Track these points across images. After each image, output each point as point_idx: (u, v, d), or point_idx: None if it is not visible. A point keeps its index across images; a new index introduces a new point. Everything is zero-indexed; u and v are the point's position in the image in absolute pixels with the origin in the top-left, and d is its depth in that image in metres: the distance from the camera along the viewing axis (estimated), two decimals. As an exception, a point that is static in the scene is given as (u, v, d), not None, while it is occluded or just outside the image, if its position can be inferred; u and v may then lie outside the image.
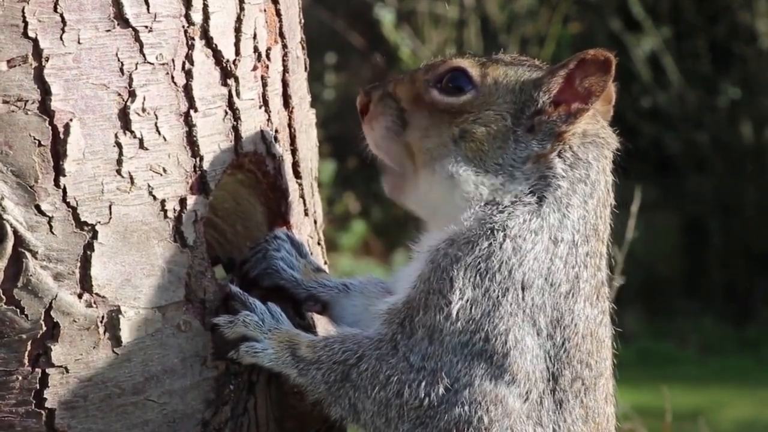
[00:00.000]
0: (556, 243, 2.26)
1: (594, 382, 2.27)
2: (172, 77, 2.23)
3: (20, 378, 2.14)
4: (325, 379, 2.26)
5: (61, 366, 2.15)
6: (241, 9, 2.32)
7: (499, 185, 2.28)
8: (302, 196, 2.52)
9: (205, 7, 2.26)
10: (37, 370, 2.14)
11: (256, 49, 2.36)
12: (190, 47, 2.25)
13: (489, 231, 2.24)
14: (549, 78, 2.30)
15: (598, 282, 2.30)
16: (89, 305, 2.16)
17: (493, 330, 2.20)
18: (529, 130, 2.29)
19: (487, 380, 2.20)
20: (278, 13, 2.42)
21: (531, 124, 2.29)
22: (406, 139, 2.35)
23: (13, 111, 2.10)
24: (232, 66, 2.31)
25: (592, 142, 2.32)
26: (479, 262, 2.22)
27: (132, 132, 2.19)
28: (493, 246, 2.23)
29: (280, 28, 2.43)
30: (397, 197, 2.39)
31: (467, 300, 2.21)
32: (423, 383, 2.20)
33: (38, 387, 2.15)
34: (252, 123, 2.36)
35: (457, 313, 2.21)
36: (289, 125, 2.48)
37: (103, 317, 2.17)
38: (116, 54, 2.17)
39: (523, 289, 2.23)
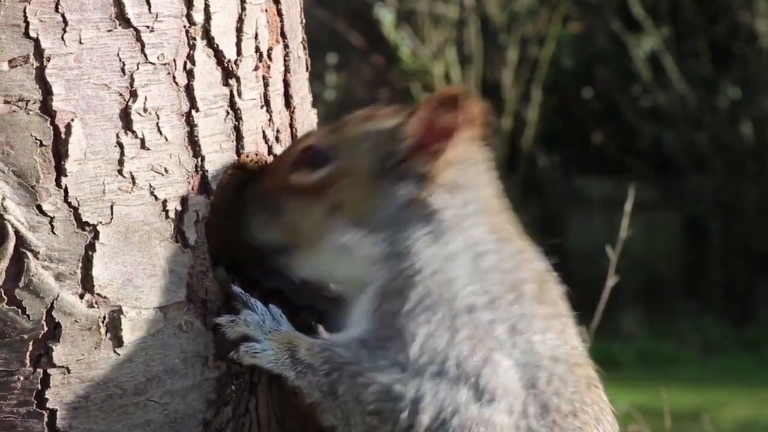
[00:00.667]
0: (479, 259, 2.27)
1: (571, 370, 2.26)
2: (174, 77, 2.23)
3: (21, 378, 2.14)
4: (319, 386, 2.26)
5: (62, 366, 2.15)
6: (243, 9, 2.32)
7: (389, 237, 2.28)
8: (304, 196, 2.52)
9: (207, 7, 2.26)
10: (38, 370, 2.14)
11: (257, 49, 2.36)
12: (192, 47, 2.25)
13: (407, 280, 2.25)
14: (404, 127, 2.30)
15: (538, 275, 2.31)
16: (91, 305, 2.16)
17: (460, 355, 2.20)
18: (396, 180, 2.29)
19: (471, 404, 2.19)
20: (280, 13, 2.42)
21: (397, 175, 2.29)
22: (284, 223, 2.35)
23: (14, 111, 2.10)
24: (234, 66, 2.31)
25: (462, 166, 2.31)
26: (418, 306, 2.23)
27: (133, 132, 2.19)
28: (421, 290, 2.23)
29: (282, 28, 2.43)
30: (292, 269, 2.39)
31: (424, 337, 2.21)
32: (405, 412, 2.20)
33: (39, 387, 2.14)
34: (253, 123, 2.36)
35: (417, 351, 2.21)
36: (291, 125, 2.48)
37: (104, 317, 2.17)
38: (118, 54, 2.17)
39: (470, 312, 2.23)
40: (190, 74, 2.25)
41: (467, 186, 2.31)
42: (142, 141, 2.20)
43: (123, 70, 2.18)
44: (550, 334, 2.26)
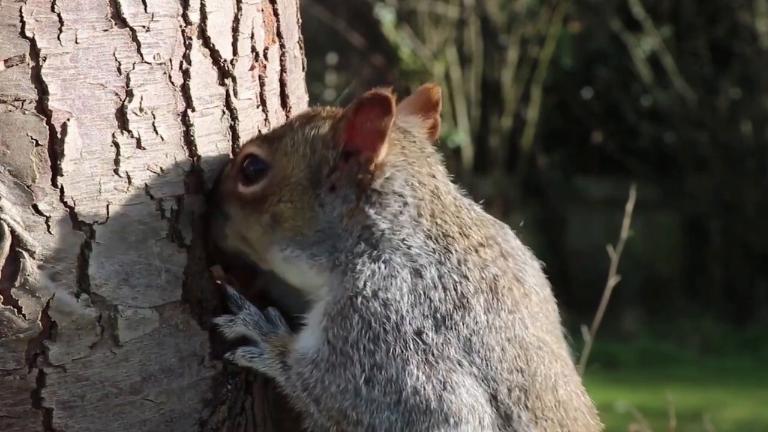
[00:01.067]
0: (420, 275, 2.21)
1: (531, 381, 2.22)
2: (170, 77, 2.23)
3: (18, 378, 2.14)
4: (299, 399, 2.26)
5: (58, 365, 2.15)
6: (239, 9, 2.32)
7: (329, 249, 2.25)
8: (300, 196, 2.52)
9: (203, 6, 2.26)
10: (34, 369, 2.14)
11: (253, 49, 2.36)
12: (188, 47, 2.25)
13: (349, 301, 2.20)
14: (332, 134, 2.26)
15: (490, 282, 2.23)
16: (87, 305, 2.16)
17: (416, 381, 2.16)
18: (331, 189, 2.26)
19: (437, 429, 2.17)
20: (276, 13, 2.42)
21: (331, 184, 2.26)
22: (235, 231, 2.32)
23: (10, 110, 2.10)
24: (230, 66, 2.31)
25: (395, 166, 2.26)
26: (363, 335, 2.19)
27: (129, 131, 2.19)
28: (365, 315, 2.19)
29: (278, 27, 2.43)
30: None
31: (370, 367, 2.18)
32: None
33: (36, 386, 2.15)
34: (249, 123, 2.36)
35: (367, 381, 2.18)
36: (287, 125, 2.48)
37: (100, 317, 2.17)
38: (113, 54, 2.17)
39: (418, 335, 2.18)
40: (186, 74, 2.25)
41: (403, 189, 2.26)
42: (138, 140, 2.20)
43: (119, 69, 2.18)
44: (508, 347, 2.21)
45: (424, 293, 2.20)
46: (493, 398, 2.20)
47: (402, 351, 2.17)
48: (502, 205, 12.62)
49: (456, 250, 2.24)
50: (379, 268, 2.21)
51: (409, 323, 2.18)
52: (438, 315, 2.19)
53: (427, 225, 2.25)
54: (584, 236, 12.89)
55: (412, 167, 2.28)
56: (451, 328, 2.19)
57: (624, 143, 13.31)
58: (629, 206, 3.83)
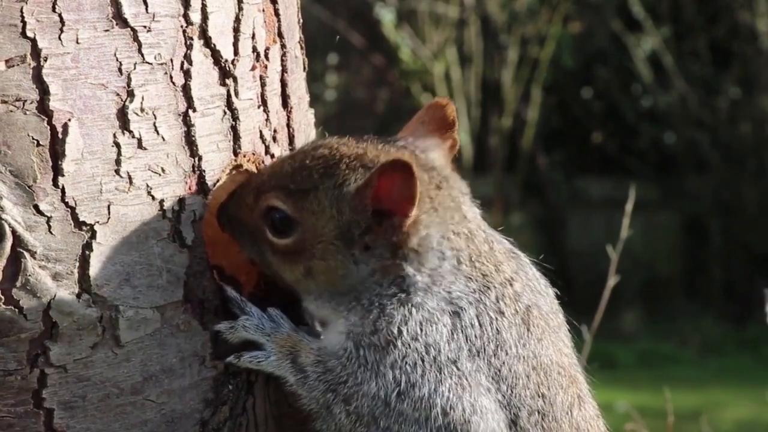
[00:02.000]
0: (459, 315, 2.26)
1: (551, 404, 2.29)
2: (171, 77, 2.23)
3: (19, 378, 2.13)
4: (316, 399, 2.26)
5: (59, 366, 2.15)
6: (240, 9, 2.32)
7: (356, 296, 2.27)
8: (301, 196, 2.52)
9: (204, 6, 2.26)
10: (35, 369, 2.14)
11: (254, 49, 2.36)
12: (189, 47, 2.25)
13: (389, 345, 2.23)
14: (359, 199, 2.26)
15: (522, 314, 2.30)
16: (88, 305, 2.16)
17: (446, 403, 2.21)
18: (365, 248, 2.27)
19: None
20: (277, 13, 2.42)
21: (365, 244, 2.27)
22: (269, 264, 2.34)
23: (11, 111, 2.10)
24: (231, 66, 2.31)
25: (429, 225, 2.28)
26: (398, 362, 2.23)
27: (130, 132, 2.19)
28: (404, 351, 2.23)
29: (279, 27, 2.43)
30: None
31: (405, 384, 2.22)
32: None
33: (37, 387, 2.14)
34: (250, 123, 2.36)
35: (399, 394, 2.22)
36: (288, 125, 2.48)
37: (101, 317, 2.17)
38: (115, 54, 2.17)
39: (454, 363, 2.24)
40: (187, 74, 2.25)
41: (441, 245, 2.28)
42: (139, 141, 2.20)
43: (120, 69, 2.18)
44: (533, 375, 2.28)
45: (462, 331, 2.26)
46: (513, 423, 2.26)
47: (437, 375, 2.23)
48: (502, 205, 12.62)
49: (495, 287, 2.30)
50: (410, 312, 2.25)
51: (446, 354, 2.24)
52: (473, 348, 2.26)
53: (467, 270, 2.30)
54: (584, 236, 12.89)
55: (445, 221, 2.31)
56: (484, 359, 2.26)
57: (624, 143, 13.32)
58: (629, 206, 3.84)
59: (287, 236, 2.31)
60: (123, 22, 2.17)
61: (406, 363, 2.23)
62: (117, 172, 2.18)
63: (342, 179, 2.28)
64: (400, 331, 2.24)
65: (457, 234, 2.31)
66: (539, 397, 2.28)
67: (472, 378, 2.24)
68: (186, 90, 2.25)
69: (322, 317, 2.34)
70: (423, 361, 2.23)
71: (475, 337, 2.26)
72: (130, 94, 2.18)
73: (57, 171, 2.13)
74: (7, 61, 2.09)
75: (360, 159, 2.29)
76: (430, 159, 2.36)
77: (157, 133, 2.22)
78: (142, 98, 2.19)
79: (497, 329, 2.27)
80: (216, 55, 2.29)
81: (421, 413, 2.21)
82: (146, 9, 2.19)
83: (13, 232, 2.11)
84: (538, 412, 2.27)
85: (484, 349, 2.25)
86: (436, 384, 2.22)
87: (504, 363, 2.26)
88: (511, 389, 2.26)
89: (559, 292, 2.44)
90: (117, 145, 2.18)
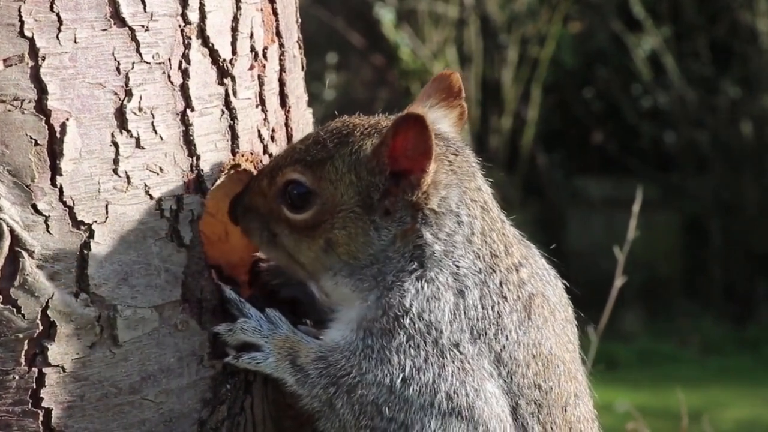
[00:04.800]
0: (463, 295, 2.27)
1: (546, 397, 2.29)
2: (169, 76, 2.23)
3: (17, 377, 2.14)
4: (318, 397, 2.26)
5: (57, 365, 2.15)
6: (238, 8, 2.32)
7: (375, 273, 2.28)
8: (299, 196, 2.51)
9: (202, 6, 2.26)
10: (33, 369, 2.14)
11: (252, 49, 2.36)
12: (187, 46, 2.25)
13: (396, 321, 2.24)
14: (376, 160, 2.27)
15: (525, 300, 2.30)
16: (86, 304, 2.16)
17: (450, 387, 2.22)
18: (386, 213, 2.28)
19: None
20: (275, 12, 2.42)
21: (384, 208, 2.28)
22: (284, 249, 2.35)
23: (9, 110, 2.10)
24: (229, 65, 2.31)
25: (449, 185, 2.29)
26: (405, 344, 2.23)
27: (128, 131, 2.19)
28: (410, 332, 2.24)
29: (277, 27, 2.43)
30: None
31: (410, 369, 2.23)
32: None
33: (35, 386, 2.15)
34: (249, 122, 2.36)
35: (404, 380, 2.22)
36: (286, 124, 2.48)
37: (99, 316, 2.17)
38: (113, 53, 2.17)
39: (456, 346, 2.24)
40: (185, 73, 2.25)
41: (459, 208, 2.29)
42: (137, 140, 2.20)
43: (118, 69, 2.18)
44: (532, 363, 2.28)
45: (465, 312, 2.26)
46: (514, 410, 2.27)
47: (439, 359, 2.23)
48: (502, 205, 12.60)
49: (500, 270, 2.30)
50: (422, 287, 2.26)
51: (448, 337, 2.24)
52: (474, 330, 2.26)
53: (477, 244, 2.30)
54: (584, 236, 12.89)
55: (463, 183, 2.32)
56: (485, 342, 2.26)
57: (624, 143, 13.31)
58: (636, 207, 3.83)
59: (305, 210, 2.31)
60: (121, 22, 2.17)
61: (410, 346, 2.22)
62: (115, 171, 2.18)
63: (358, 145, 2.30)
64: (411, 305, 2.24)
65: (474, 201, 2.32)
66: (536, 387, 2.28)
67: (474, 362, 2.24)
68: (184, 89, 2.25)
69: (339, 298, 2.32)
70: (425, 343, 2.23)
71: (477, 319, 2.26)
72: (128, 93, 2.18)
73: (55, 170, 2.13)
74: (5, 61, 2.09)
75: (374, 126, 2.32)
76: (441, 131, 2.37)
77: (155, 133, 2.22)
78: (140, 98, 2.19)
79: (498, 313, 2.28)
80: (214, 55, 2.29)
81: (426, 398, 2.21)
82: (144, 8, 2.19)
83: (11, 231, 2.11)
84: (535, 403, 2.28)
85: (486, 332, 2.25)
86: (440, 369, 2.22)
87: (504, 348, 2.26)
88: (510, 375, 2.26)
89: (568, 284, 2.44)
90: (115, 144, 2.18)
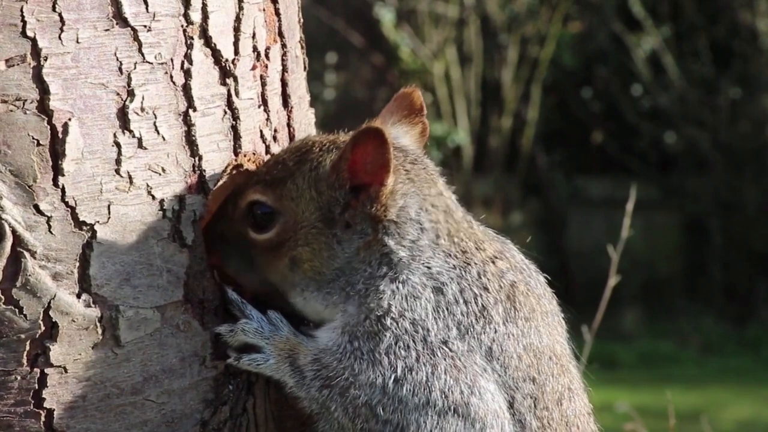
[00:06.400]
0: (442, 291, 2.27)
1: (541, 391, 2.28)
2: (171, 77, 2.23)
3: (19, 378, 2.13)
4: (315, 399, 2.26)
5: (59, 366, 2.15)
6: (240, 8, 2.32)
7: (343, 285, 2.28)
8: (301, 196, 2.51)
9: (204, 6, 2.26)
10: (35, 370, 2.14)
11: (255, 49, 2.36)
12: (189, 46, 2.25)
13: (378, 321, 2.24)
14: (335, 175, 2.28)
15: (507, 290, 2.30)
16: (88, 305, 2.16)
17: (444, 385, 2.21)
18: (347, 226, 2.29)
19: None
20: (277, 13, 2.42)
21: (345, 221, 2.29)
22: (257, 272, 2.35)
23: (11, 110, 2.10)
24: (231, 65, 2.31)
25: (406, 194, 2.29)
26: (394, 345, 2.23)
27: (131, 131, 2.19)
28: (396, 331, 2.23)
29: (279, 27, 2.43)
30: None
31: (402, 369, 2.22)
32: None
33: (37, 387, 2.14)
34: (251, 122, 2.36)
35: (397, 380, 2.22)
36: (288, 125, 2.48)
37: (101, 317, 2.17)
38: (115, 53, 2.17)
39: (445, 344, 2.24)
40: (187, 73, 2.25)
41: (419, 215, 2.29)
42: (140, 140, 2.19)
43: (120, 69, 2.17)
44: (524, 355, 2.27)
45: (447, 309, 2.26)
46: (510, 405, 2.26)
47: (430, 358, 2.22)
48: (502, 205, 12.62)
49: (475, 263, 2.30)
50: (398, 287, 2.26)
51: (435, 335, 2.24)
52: (461, 326, 2.25)
53: (445, 245, 2.30)
54: (584, 236, 12.90)
55: (422, 191, 2.32)
56: (474, 337, 2.25)
57: (624, 143, 13.32)
58: (629, 206, 3.84)
59: (269, 230, 2.32)
60: (123, 22, 2.17)
61: (400, 347, 2.22)
62: (117, 171, 2.18)
63: (317, 161, 2.31)
64: (389, 306, 2.24)
65: (435, 207, 2.32)
66: (530, 380, 2.27)
67: (466, 359, 2.23)
68: (186, 89, 2.25)
69: (312, 312, 2.33)
70: (414, 342, 2.22)
71: (462, 314, 2.25)
72: (131, 93, 2.18)
73: (57, 171, 2.13)
74: (7, 61, 2.09)
75: (333, 142, 2.33)
76: (400, 143, 2.38)
77: (158, 133, 2.21)
78: (143, 98, 2.19)
79: (483, 306, 2.27)
80: (216, 55, 2.29)
81: (421, 398, 2.21)
82: (146, 8, 2.19)
83: (13, 231, 2.11)
84: (531, 397, 2.27)
85: (473, 327, 2.25)
86: (433, 367, 2.22)
87: (493, 341, 2.26)
88: (503, 369, 2.26)
89: (558, 290, 2.44)
90: (117, 144, 2.18)
